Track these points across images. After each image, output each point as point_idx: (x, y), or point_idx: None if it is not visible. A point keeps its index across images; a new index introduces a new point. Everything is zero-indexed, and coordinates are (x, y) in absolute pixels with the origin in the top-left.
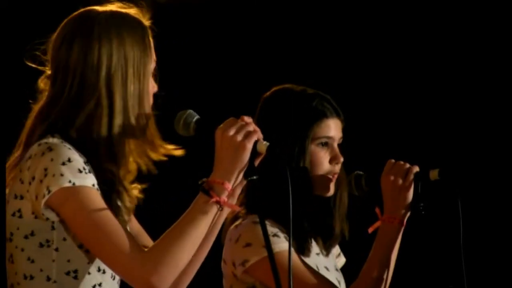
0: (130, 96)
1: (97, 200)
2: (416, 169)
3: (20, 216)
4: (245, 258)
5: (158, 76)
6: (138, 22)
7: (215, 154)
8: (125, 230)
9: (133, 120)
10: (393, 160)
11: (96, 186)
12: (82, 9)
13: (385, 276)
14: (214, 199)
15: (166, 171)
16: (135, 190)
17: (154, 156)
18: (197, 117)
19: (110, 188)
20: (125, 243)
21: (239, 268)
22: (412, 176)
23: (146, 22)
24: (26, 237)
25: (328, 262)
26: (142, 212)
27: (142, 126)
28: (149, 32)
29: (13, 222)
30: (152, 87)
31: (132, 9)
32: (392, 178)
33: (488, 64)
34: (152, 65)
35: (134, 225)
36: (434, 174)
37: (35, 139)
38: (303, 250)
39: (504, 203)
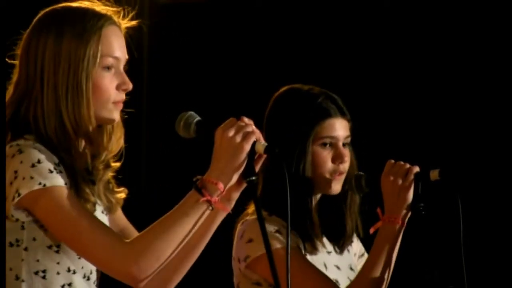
0: (63, 89)
1: (70, 197)
2: (416, 169)
3: None
4: (247, 254)
5: (160, 76)
6: (93, 16)
7: (213, 154)
8: (102, 223)
9: (69, 115)
10: (393, 161)
11: (69, 184)
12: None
13: (384, 276)
14: (205, 198)
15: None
16: (109, 174)
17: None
18: (198, 118)
19: (75, 177)
20: (102, 236)
21: (242, 264)
22: (412, 176)
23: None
24: None
25: (341, 261)
26: (138, 214)
27: (83, 124)
28: (111, 26)
29: None
30: (110, 82)
31: (96, 3)
32: (392, 178)
33: (488, 64)
34: (100, 59)
35: (120, 217)
36: (434, 174)
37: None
38: (309, 247)
39: (504, 203)
